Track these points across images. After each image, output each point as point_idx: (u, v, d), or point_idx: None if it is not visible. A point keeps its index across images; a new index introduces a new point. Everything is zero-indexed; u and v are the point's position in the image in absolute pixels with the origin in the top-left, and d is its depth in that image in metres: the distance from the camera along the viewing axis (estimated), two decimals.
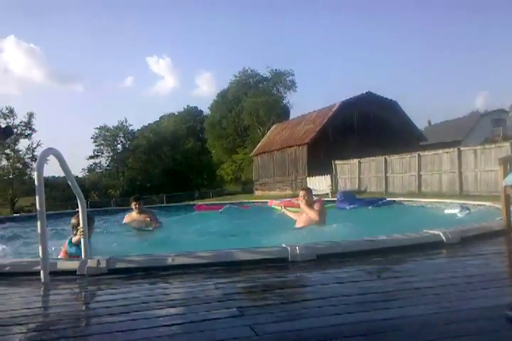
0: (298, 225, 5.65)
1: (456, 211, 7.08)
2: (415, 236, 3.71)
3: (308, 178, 24.76)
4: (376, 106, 26.67)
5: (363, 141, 24.65)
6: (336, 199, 11.22)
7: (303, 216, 5.67)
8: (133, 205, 6.44)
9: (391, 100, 27.90)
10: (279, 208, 10.56)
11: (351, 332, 1.69)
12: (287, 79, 46.77)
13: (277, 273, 2.87)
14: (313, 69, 78.76)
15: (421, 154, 17.82)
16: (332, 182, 22.46)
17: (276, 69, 46.95)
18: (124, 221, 6.62)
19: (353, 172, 21.86)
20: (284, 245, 3.18)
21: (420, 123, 39.16)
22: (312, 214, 5.52)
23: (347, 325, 1.77)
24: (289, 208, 6.81)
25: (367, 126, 26.18)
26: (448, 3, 72.70)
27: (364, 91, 27.49)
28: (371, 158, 20.62)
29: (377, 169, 20.14)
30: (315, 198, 6.01)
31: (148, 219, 6.34)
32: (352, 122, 26.60)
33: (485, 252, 3.44)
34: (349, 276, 2.72)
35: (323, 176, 23.12)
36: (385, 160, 19.56)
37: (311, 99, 74.19)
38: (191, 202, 17.03)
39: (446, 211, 7.71)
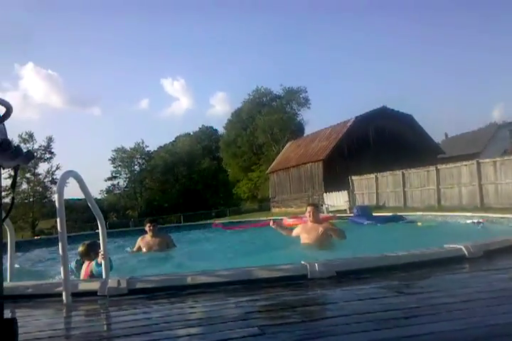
0: (304, 243, 5.45)
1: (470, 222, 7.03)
2: (436, 251, 3.65)
3: (324, 194, 24.62)
4: (391, 121, 26.61)
5: (379, 155, 24.51)
6: (352, 214, 11.14)
7: (309, 235, 5.43)
8: (147, 227, 6.20)
9: (406, 114, 27.79)
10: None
11: None
12: (300, 96, 47.09)
13: (297, 291, 2.85)
14: (326, 85, 79.16)
15: (439, 167, 17.61)
16: (349, 198, 22.28)
17: (289, 87, 47.39)
18: (134, 248, 6.33)
19: (370, 187, 21.67)
20: (303, 262, 3.16)
21: (437, 137, 38.87)
22: (319, 235, 5.30)
23: None
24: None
25: (383, 141, 26.07)
26: (460, 13, 72.66)
27: (379, 106, 27.49)
28: (388, 173, 20.45)
29: (395, 183, 19.94)
30: (329, 214, 5.94)
31: (165, 242, 6.15)
32: (367, 137, 26.53)
33: (509, 266, 3.36)
34: (370, 293, 2.68)
35: (340, 192, 22.97)
36: (403, 175, 19.37)
37: (325, 115, 74.41)
38: (208, 221, 17.06)
39: (467, 221, 7.63)
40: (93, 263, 4.08)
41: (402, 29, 77.80)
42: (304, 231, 5.55)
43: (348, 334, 1.86)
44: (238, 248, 6.87)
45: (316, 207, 5.76)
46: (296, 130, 44.70)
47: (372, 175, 21.35)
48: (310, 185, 27.92)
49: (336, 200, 22.61)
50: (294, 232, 5.74)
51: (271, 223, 5.96)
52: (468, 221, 7.49)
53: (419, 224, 9.07)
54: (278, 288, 2.86)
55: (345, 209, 19.58)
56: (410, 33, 77.30)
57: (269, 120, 43.31)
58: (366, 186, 22.04)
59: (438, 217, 10.21)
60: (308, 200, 27.43)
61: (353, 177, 22.75)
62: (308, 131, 43.31)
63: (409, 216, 10.94)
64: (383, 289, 2.78)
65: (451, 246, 3.73)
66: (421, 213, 11.25)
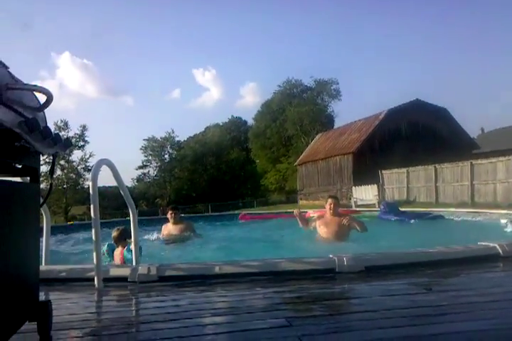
0: (321, 237, 5.35)
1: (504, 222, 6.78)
2: (469, 248, 3.56)
3: (353, 188, 24.33)
4: (425, 114, 25.94)
5: (411, 149, 24.01)
6: (379, 209, 10.97)
7: (328, 228, 5.33)
8: (169, 215, 6.28)
9: (441, 107, 27.05)
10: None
11: None
12: (331, 88, 46.45)
13: (325, 284, 2.84)
14: (358, 77, 77.84)
15: (474, 163, 17.10)
16: (379, 192, 21.95)
17: (320, 79, 46.80)
18: (161, 234, 6.32)
19: (401, 181, 21.28)
20: (331, 256, 3.15)
21: (473, 131, 37.68)
22: (338, 228, 5.20)
23: (397, 339, 1.72)
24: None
25: (415, 134, 25.49)
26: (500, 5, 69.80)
27: (412, 99, 26.84)
28: (420, 167, 20.01)
29: (427, 178, 19.50)
30: (349, 209, 5.83)
31: (186, 229, 6.14)
32: (399, 130, 25.99)
33: None
34: (399, 289, 2.64)
35: (369, 186, 22.64)
36: (435, 169, 18.91)
37: (356, 108, 73.33)
38: (236, 211, 17.17)
39: (502, 221, 7.37)
40: (125, 249, 4.21)
41: (438, 18, 75.48)
42: (323, 224, 5.43)
43: (375, 330, 1.85)
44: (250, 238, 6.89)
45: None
46: (326, 122, 44.21)
47: (404, 170, 20.94)
48: (339, 178, 27.66)
49: (365, 194, 22.31)
50: (311, 224, 5.65)
51: (295, 211, 5.85)
52: (503, 220, 7.23)
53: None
54: (305, 281, 2.86)
55: (374, 204, 19.30)
56: (448, 22, 74.83)
57: (299, 112, 42.98)
58: (397, 180, 21.65)
59: (470, 213, 9.94)
60: (336, 193, 27.24)
61: (384, 171, 22.38)
62: (338, 123, 42.86)
63: (441, 212, 10.71)
64: (412, 285, 2.74)
65: (484, 243, 3.63)
66: (453, 209, 10.98)
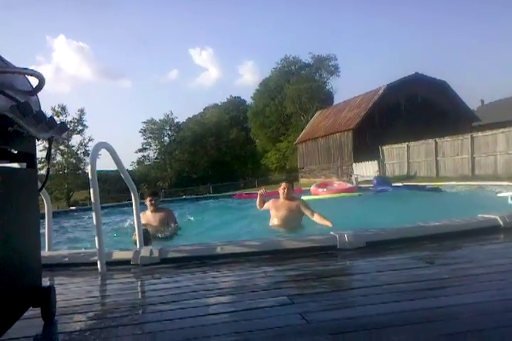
0: (272, 221, 5.18)
1: (508, 194, 6.75)
2: (470, 221, 3.57)
3: (354, 164, 24.33)
4: (424, 88, 25.66)
5: (411, 124, 23.86)
6: (372, 185, 11.11)
7: (279, 212, 5.13)
8: (147, 201, 5.55)
9: (440, 80, 26.73)
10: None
11: (405, 320, 1.65)
12: (330, 64, 45.82)
13: (326, 261, 2.86)
14: (356, 52, 76.72)
15: (474, 135, 17.02)
16: (379, 168, 21.95)
17: (318, 55, 46.13)
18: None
19: (401, 156, 21.25)
20: (332, 232, 3.16)
21: (473, 103, 37.28)
22: (289, 213, 5.03)
23: (400, 313, 1.74)
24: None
25: (415, 109, 25.27)
26: None
27: (411, 72, 26.51)
28: (420, 142, 19.92)
29: (427, 153, 19.45)
30: (348, 184, 5.74)
31: (166, 218, 5.48)
32: (399, 105, 25.76)
33: None
34: (401, 263, 2.66)
35: (369, 162, 22.63)
36: (436, 143, 18.85)
37: (355, 84, 72.55)
38: (236, 192, 17.23)
39: (500, 195, 7.38)
40: None
41: None
42: (274, 208, 5.24)
43: (378, 305, 1.86)
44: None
45: (291, 184, 5.40)
46: (325, 99, 43.78)
47: (404, 144, 20.88)
48: (339, 155, 27.62)
49: (366, 170, 22.33)
50: (265, 206, 5.42)
51: (260, 191, 5.67)
52: (502, 194, 7.22)
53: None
54: (307, 259, 2.87)
55: (386, 176, 19.27)
56: None
57: (298, 89, 42.52)
58: (397, 156, 21.61)
59: (471, 186, 9.96)
60: (337, 170, 27.24)
61: (384, 147, 22.32)
62: (337, 99, 42.45)
63: (441, 185, 10.74)
64: (414, 260, 2.75)
65: (485, 216, 3.64)
66: (454, 183, 10.99)
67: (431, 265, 2.63)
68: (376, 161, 22.26)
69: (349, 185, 11.39)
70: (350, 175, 23.03)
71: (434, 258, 2.84)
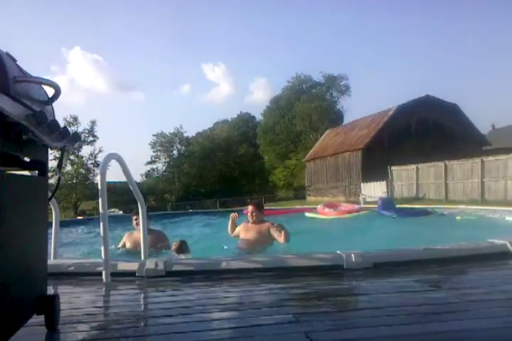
0: (241, 246, 4.92)
1: None
2: (478, 245, 3.53)
3: (362, 184, 24.25)
4: (435, 110, 25.73)
5: (421, 146, 23.84)
6: (376, 205, 11.04)
7: (247, 235, 4.91)
8: (134, 221, 4.91)
9: (451, 103, 26.78)
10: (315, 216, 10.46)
11: None
12: (341, 83, 46.24)
13: (332, 281, 2.82)
14: (367, 72, 77.22)
15: (484, 159, 16.94)
16: (388, 189, 21.85)
17: (329, 74, 46.56)
18: (119, 244, 5.08)
19: (410, 178, 21.15)
20: (338, 252, 3.13)
21: (484, 128, 37.18)
22: (259, 237, 4.81)
23: (405, 337, 1.71)
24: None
25: (425, 131, 25.28)
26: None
27: (422, 94, 26.63)
28: (430, 164, 19.85)
29: (437, 175, 19.35)
30: (354, 206, 5.60)
31: (156, 242, 4.82)
32: (409, 126, 25.79)
33: None
34: (407, 286, 2.62)
35: (378, 182, 22.55)
36: (445, 166, 18.76)
37: (365, 104, 72.85)
38: (245, 208, 17.17)
39: (508, 218, 7.32)
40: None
41: (448, 13, 74.58)
42: (243, 231, 5.03)
43: (383, 327, 1.83)
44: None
45: (258, 206, 5.12)
46: (335, 118, 44.00)
47: (413, 166, 20.81)
48: (347, 174, 27.57)
49: (374, 191, 22.23)
50: (236, 231, 5.20)
51: (232, 215, 5.36)
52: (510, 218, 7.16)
53: (459, 218, 8.82)
54: (312, 277, 2.85)
55: (390, 198, 19.18)
56: (456, 18, 73.88)
57: (308, 107, 42.80)
58: (406, 177, 21.52)
59: (481, 211, 9.85)
60: (345, 190, 27.13)
61: (393, 168, 22.26)
62: (347, 119, 42.59)
63: (451, 209, 10.64)
64: (421, 283, 2.71)
65: (494, 241, 3.59)
66: (463, 206, 10.89)
67: (438, 288, 2.59)
68: (384, 182, 22.16)
69: (356, 207, 11.37)
70: (358, 195, 22.93)
71: (441, 281, 2.80)
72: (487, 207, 10.47)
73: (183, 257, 4.17)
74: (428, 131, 25.28)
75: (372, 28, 75.96)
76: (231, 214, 5.39)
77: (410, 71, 76.53)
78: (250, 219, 5.04)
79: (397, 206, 10.79)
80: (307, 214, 11.23)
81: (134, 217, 4.85)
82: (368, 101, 72.31)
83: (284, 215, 11.05)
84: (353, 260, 3.00)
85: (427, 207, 11.34)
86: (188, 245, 4.73)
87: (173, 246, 4.65)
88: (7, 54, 1.50)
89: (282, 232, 4.72)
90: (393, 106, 27.17)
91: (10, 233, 1.41)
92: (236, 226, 5.26)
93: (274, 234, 4.81)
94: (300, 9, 78.97)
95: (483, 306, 2.12)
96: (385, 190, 21.73)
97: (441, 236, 5.70)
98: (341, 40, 78.76)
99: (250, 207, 5.08)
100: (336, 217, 10.06)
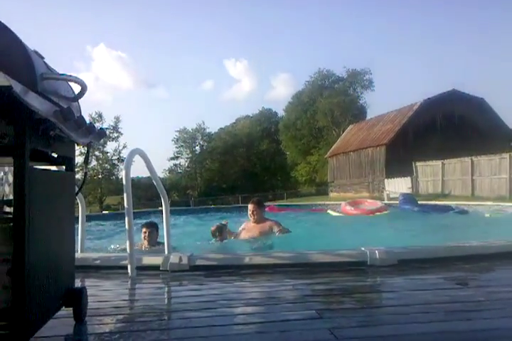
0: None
1: None
2: (506, 243, 3.44)
3: (386, 180, 23.94)
4: (461, 105, 25.15)
5: (447, 141, 23.34)
6: (398, 200, 10.91)
7: (252, 236, 4.75)
8: (142, 233, 4.53)
9: (478, 97, 26.13)
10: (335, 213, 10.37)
11: None
12: (364, 78, 45.61)
13: (356, 277, 2.80)
14: (391, 66, 76.01)
15: None
16: (412, 185, 21.51)
17: (352, 69, 46.00)
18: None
19: (435, 174, 20.76)
20: (363, 248, 3.10)
21: None
22: (261, 236, 4.62)
23: (431, 335, 1.68)
24: None
25: (451, 126, 24.75)
26: None
27: (448, 88, 26.06)
28: (456, 160, 19.44)
29: (463, 171, 18.94)
30: (378, 202, 5.42)
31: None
32: (435, 121, 25.29)
33: None
34: (433, 283, 2.57)
35: (402, 178, 22.21)
36: (472, 162, 18.34)
37: (390, 99, 71.80)
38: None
39: None
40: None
41: (475, 5, 72.55)
42: (246, 231, 4.90)
43: (408, 324, 1.81)
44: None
45: (259, 204, 4.95)
46: (358, 113, 43.49)
47: (439, 162, 20.42)
48: (371, 170, 27.25)
49: (398, 187, 21.91)
50: (241, 235, 4.95)
51: (221, 223, 4.97)
52: None
53: (488, 215, 8.61)
54: (336, 273, 2.83)
55: (411, 194, 18.90)
56: (481, 9, 71.82)
57: (331, 103, 42.41)
58: (431, 173, 21.13)
59: (509, 208, 9.60)
60: (368, 186, 26.84)
61: (418, 163, 21.89)
62: (370, 114, 42.03)
63: (477, 206, 10.41)
64: (447, 280, 2.66)
65: None
66: (490, 203, 10.63)
67: (465, 286, 2.54)
68: (409, 178, 21.82)
69: (379, 205, 11.23)
70: (382, 191, 22.67)
71: (468, 279, 2.74)
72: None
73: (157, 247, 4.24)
74: (454, 126, 24.75)
75: (396, 22, 74.61)
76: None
77: (436, 65, 75.03)
78: (252, 218, 4.92)
79: (419, 202, 10.66)
80: (330, 212, 11.15)
81: (144, 229, 4.54)
82: (392, 96, 71.22)
83: (306, 213, 11.01)
84: (377, 257, 2.96)
85: (453, 203, 11.12)
86: (227, 230, 4.73)
87: (212, 229, 4.69)
88: (35, 52, 1.53)
89: (282, 230, 4.74)
90: (418, 101, 26.67)
91: (39, 227, 1.44)
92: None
93: (277, 232, 4.76)
94: (323, 4, 78.12)
95: (510, 305, 2.07)
96: (410, 185, 21.41)
97: (468, 233, 5.59)
98: (365, 35, 77.76)
99: (251, 206, 4.93)
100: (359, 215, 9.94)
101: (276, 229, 4.80)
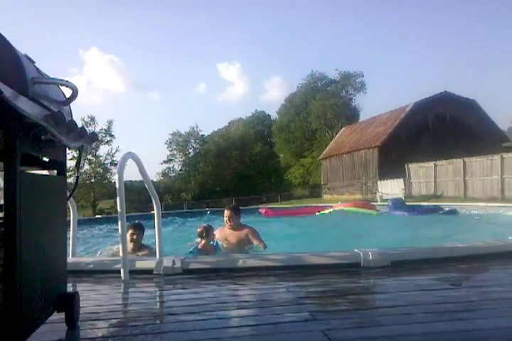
0: (223, 251, 4.67)
1: None
2: (499, 243, 3.47)
3: (379, 182, 24.04)
4: (453, 106, 25.36)
5: (439, 143, 23.52)
6: (388, 205, 11.09)
7: (227, 243, 4.68)
8: (129, 235, 4.21)
9: (469, 99, 26.35)
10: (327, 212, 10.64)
11: None
12: (356, 80, 45.83)
13: (349, 279, 2.81)
14: (384, 69, 76.44)
15: (504, 156, 16.62)
16: (405, 186, 21.61)
17: (345, 71, 46.22)
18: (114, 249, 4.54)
19: (428, 175, 20.88)
20: (356, 250, 3.11)
21: (504, 124, 36.48)
22: (237, 243, 4.57)
23: (424, 335, 1.69)
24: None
25: (443, 127, 24.94)
26: None
27: (439, 90, 26.25)
28: (448, 161, 19.57)
29: (455, 172, 19.06)
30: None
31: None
32: (426, 123, 25.49)
33: None
34: (426, 284, 2.59)
35: (395, 180, 22.32)
36: (464, 163, 18.47)
37: (382, 101, 72.17)
38: (260, 206, 17.17)
39: None
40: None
41: (466, 8, 73.20)
42: (221, 238, 4.80)
43: (402, 325, 1.81)
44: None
45: (235, 211, 4.86)
46: (350, 115, 43.68)
47: (431, 163, 20.54)
48: (364, 172, 27.36)
49: (391, 188, 22.01)
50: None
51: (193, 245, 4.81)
52: None
53: (477, 217, 8.69)
54: (330, 275, 2.83)
55: (401, 198, 19.02)
56: (472, 13, 72.51)
57: (323, 105, 42.56)
58: (424, 174, 21.25)
59: (501, 208, 9.69)
60: (361, 188, 26.93)
61: (410, 165, 22.01)
62: (363, 117, 42.23)
63: (470, 206, 10.50)
64: (440, 281, 2.67)
65: None
66: (483, 204, 10.72)
67: (458, 287, 2.55)
68: (402, 179, 21.93)
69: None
70: (375, 193, 22.74)
71: (461, 280, 2.76)
72: (507, 204, 10.28)
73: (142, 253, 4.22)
74: (446, 127, 24.93)
75: (387, 25, 75.05)
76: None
77: (427, 67, 75.56)
78: (227, 225, 4.81)
79: (408, 204, 10.85)
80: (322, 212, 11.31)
81: (130, 231, 4.27)
82: (384, 98, 71.60)
83: (295, 216, 11.16)
84: (371, 258, 2.97)
85: (445, 204, 11.21)
86: (213, 231, 4.71)
87: (199, 230, 4.67)
88: (25, 56, 1.52)
89: (259, 238, 4.68)
90: (410, 102, 26.85)
91: (30, 232, 1.43)
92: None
93: (254, 240, 4.69)
94: (315, 7, 78.46)
95: (503, 304, 2.08)
96: (403, 187, 21.51)
97: (459, 234, 5.63)
98: (356, 38, 78.19)
99: (227, 212, 4.83)
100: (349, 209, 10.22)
101: (251, 237, 4.72)
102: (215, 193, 48.69)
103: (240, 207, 5.31)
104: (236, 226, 4.80)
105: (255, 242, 4.66)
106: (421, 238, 5.31)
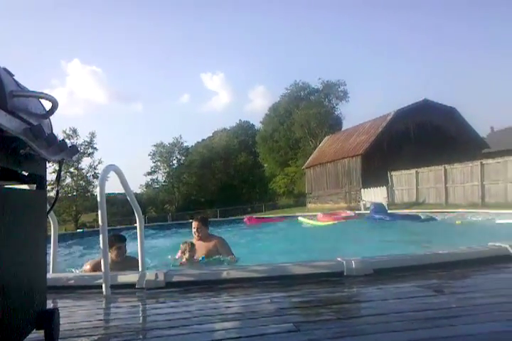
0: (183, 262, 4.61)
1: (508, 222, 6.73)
2: (479, 249, 3.52)
3: (362, 190, 24.22)
4: (433, 114, 25.79)
5: (420, 150, 23.85)
6: (370, 210, 11.42)
7: (197, 254, 4.60)
8: (113, 249, 4.07)
9: (449, 107, 26.87)
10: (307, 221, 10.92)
11: None
12: (339, 89, 46.40)
13: (333, 288, 2.81)
14: (365, 78, 77.51)
15: (484, 162, 16.94)
16: (388, 194, 21.82)
17: (327, 80, 46.77)
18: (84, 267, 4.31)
19: (410, 183, 21.14)
20: (339, 259, 3.12)
21: (483, 130, 37.19)
22: (207, 253, 4.53)
23: None
24: None
25: (424, 135, 25.32)
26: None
27: (420, 98, 26.73)
28: (429, 168, 19.86)
29: (436, 179, 19.34)
30: (349, 212, 5.53)
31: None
32: (408, 131, 25.85)
33: None
34: (409, 292, 2.61)
35: (378, 188, 22.53)
36: (445, 170, 18.76)
37: (364, 109, 73.09)
38: (245, 216, 17.14)
39: (498, 221, 7.34)
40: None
41: (445, 17, 75.03)
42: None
43: (386, 333, 1.82)
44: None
45: (203, 222, 4.86)
46: (333, 124, 44.12)
47: (413, 171, 20.80)
48: (347, 180, 27.55)
49: (374, 196, 22.19)
50: (182, 249, 4.72)
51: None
52: (501, 221, 7.18)
53: (458, 222, 8.83)
54: (313, 285, 2.84)
55: (382, 204, 19.20)
56: (456, 20, 74.36)
57: (307, 114, 42.91)
58: (406, 182, 21.50)
59: (480, 214, 9.84)
60: (345, 196, 27.10)
61: (393, 173, 22.26)
62: (346, 125, 42.66)
63: (450, 212, 10.66)
64: (422, 288, 2.70)
65: (495, 244, 3.58)
66: (463, 210, 10.88)
67: (440, 293, 2.58)
68: (385, 187, 22.15)
69: (350, 213, 11.87)
70: (359, 201, 22.90)
71: (443, 286, 2.79)
72: (487, 210, 10.46)
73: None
74: (427, 135, 25.32)
75: (368, 34, 76.43)
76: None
77: (408, 76, 76.72)
78: (196, 236, 4.81)
79: (389, 211, 11.12)
80: (300, 219, 11.62)
81: (114, 247, 4.09)
82: (367, 106, 72.33)
83: (271, 223, 11.46)
84: (353, 266, 2.99)
85: (427, 211, 11.38)
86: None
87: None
88: (4, 69, 1.51)
89: (228, 249, 4.70)
90: (392, 111, 27.25)
91: (8, 248, 1.41)
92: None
93: (223, 250, 4.70)
94: (297, 17, 79.59)
95: (485, 310, 2.11)
96: (386, 195, 21.71)
97: (440, 241, 5.70)
98: (338, 47, 79.26)
99: (195, 223, 4.84)
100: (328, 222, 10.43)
101: (220, 247, 4.73)
102: (199, 204, 48.45)
103: (225, 218, 5.33)
104: (205, 237, 4.82)
105: (224, 253, 4.67)
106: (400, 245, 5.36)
